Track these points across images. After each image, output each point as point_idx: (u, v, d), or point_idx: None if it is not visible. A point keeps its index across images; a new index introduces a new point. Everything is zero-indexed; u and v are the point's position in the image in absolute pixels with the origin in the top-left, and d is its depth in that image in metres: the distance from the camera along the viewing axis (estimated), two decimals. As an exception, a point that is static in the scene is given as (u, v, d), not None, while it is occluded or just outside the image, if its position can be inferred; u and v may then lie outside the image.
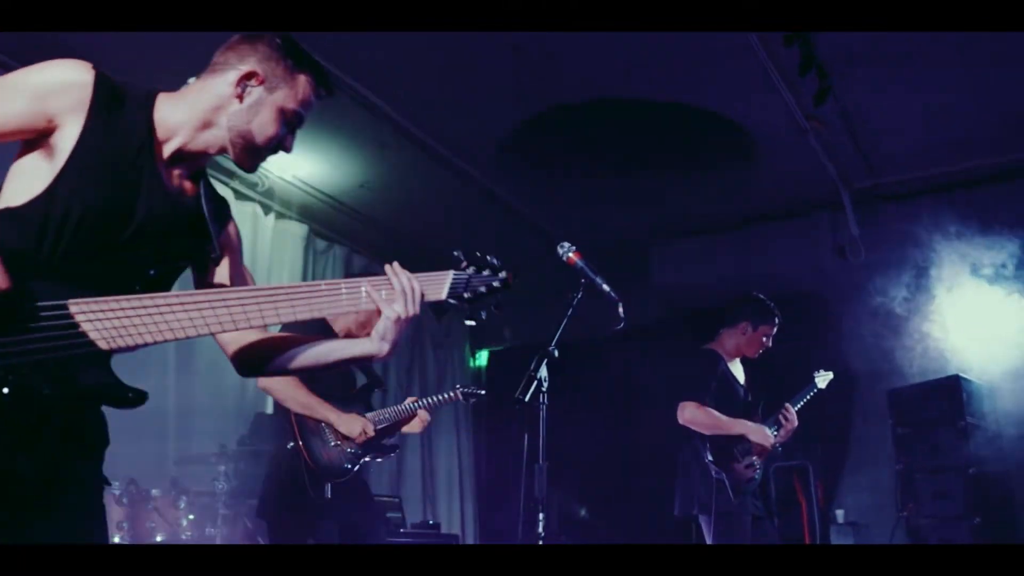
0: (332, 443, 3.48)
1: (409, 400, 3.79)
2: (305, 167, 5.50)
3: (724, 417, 3.96)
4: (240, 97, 1.61)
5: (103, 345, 1.38)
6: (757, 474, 4.02)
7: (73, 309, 1.36)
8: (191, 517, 4.01)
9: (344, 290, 1.61)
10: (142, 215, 1.51)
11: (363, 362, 1.70)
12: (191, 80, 1.65)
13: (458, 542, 6.12)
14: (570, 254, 2.81)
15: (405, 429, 3.82)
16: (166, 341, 1.43)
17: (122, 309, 1.39)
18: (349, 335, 3.47)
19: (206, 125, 1.61)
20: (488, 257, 1.77)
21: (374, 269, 6.85)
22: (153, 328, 1.41)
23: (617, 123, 4.98)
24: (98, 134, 1.46)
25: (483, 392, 4.04)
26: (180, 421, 4.76)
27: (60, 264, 1.42)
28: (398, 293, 1.65)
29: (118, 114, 1.50)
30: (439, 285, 1.71)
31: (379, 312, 1.66)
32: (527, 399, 2.46)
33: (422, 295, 1.68)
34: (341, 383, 3.66)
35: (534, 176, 5.69)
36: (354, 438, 3.47)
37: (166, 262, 1.60)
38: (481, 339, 8.17)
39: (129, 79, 1.57)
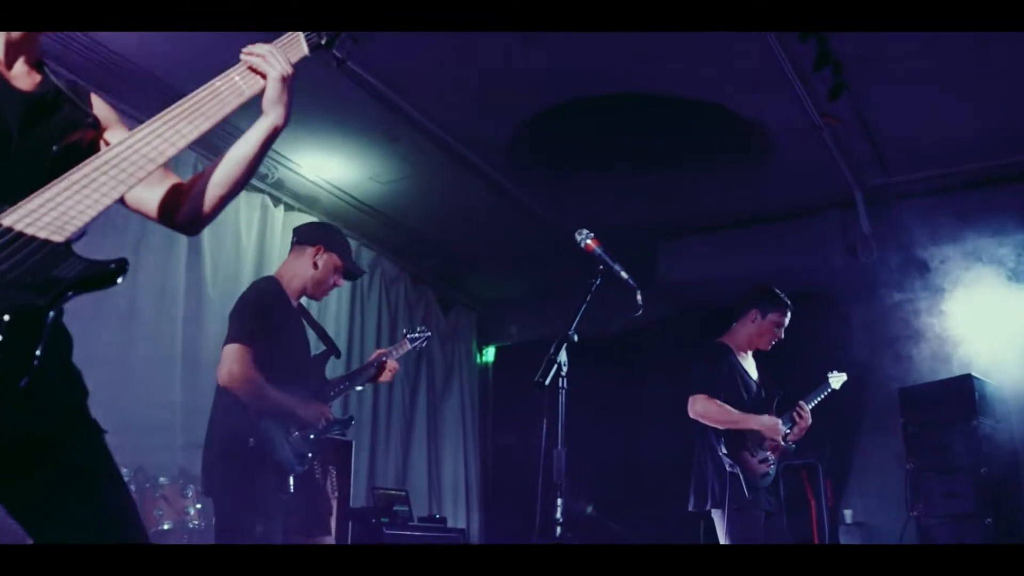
0: (294, 433, 3.39)
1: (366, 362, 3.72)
2: (315, 160, 5.49)
3: (736, 411, 3.91)
4: None
5: (57, 238, 1.37)
6: (771, 470, 3.97)
7: (7, 221, 1.34)
8: (198, 506, 3.99)
9: (221, 86, 1.64)
10: (12, 124, 1.52)
11: (274, 136, 1.74)
12: None
13: (465, 536, 6.12)
14: (588, 240, 2.81)
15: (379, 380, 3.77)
16: (106, 208, 1.44)
17: (53, 197, 1.39)
18: (312, 296, 3.48)
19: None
20: None
21: (383, 263, 6.86)
22: (89, 198, 1.41)
23: (628, 119, 4.94)
24: None
25: (429, 334, 3.98)
26: (187, 411, 4.74)
27: None
28: (265, 57, 1.69)
29: None
30: (295, 42, 1.76)
31: (263, 93, 1.70)
32: (547, 382, 2.44)
33: (285, 55, 1.72)
34: (297, 365, 3.56)
35: (544, 171, 5.66)
36: (314, 424, 3.38)
37: (61, 138, 1.60)
38: (488, 335, 8.17)
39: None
